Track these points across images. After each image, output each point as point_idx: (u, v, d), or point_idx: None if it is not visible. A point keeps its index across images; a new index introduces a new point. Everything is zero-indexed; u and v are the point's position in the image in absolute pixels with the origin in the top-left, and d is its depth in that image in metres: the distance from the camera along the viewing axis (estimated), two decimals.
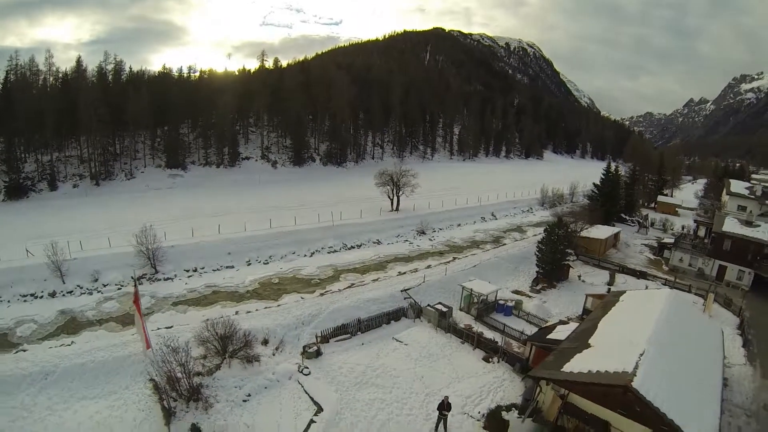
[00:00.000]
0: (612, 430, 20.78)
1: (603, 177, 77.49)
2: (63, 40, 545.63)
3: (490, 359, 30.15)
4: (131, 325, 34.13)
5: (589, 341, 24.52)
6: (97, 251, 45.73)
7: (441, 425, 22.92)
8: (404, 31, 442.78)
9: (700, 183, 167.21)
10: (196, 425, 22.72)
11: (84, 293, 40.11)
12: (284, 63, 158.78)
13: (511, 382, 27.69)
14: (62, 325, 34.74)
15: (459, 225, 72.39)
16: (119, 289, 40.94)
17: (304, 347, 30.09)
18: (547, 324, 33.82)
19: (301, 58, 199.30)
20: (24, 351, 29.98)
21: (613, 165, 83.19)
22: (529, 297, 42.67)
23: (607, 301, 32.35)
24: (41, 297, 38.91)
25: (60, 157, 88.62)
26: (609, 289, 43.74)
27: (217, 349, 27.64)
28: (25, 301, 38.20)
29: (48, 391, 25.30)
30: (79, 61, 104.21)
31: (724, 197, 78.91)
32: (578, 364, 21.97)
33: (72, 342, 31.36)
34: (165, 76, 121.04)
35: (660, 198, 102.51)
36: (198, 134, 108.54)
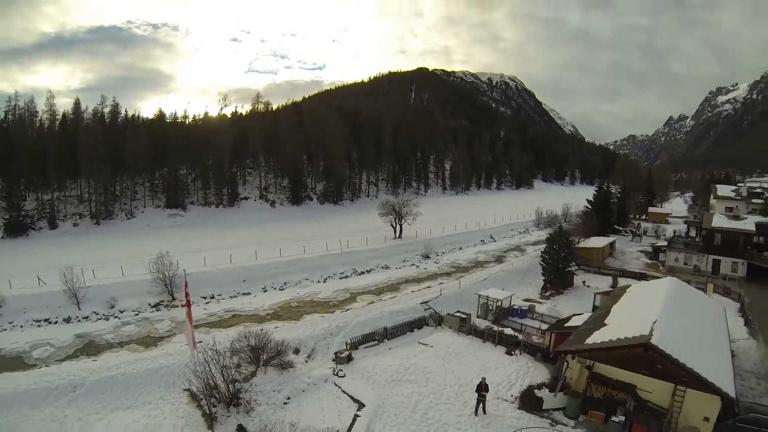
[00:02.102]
0: (639, 392, 22.57)
1: (596, 192, 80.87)
2: (54, 87, 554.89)
3: (512, 352, 31.88)
4: (154, 346, 35.20)
5: (605, 322, 26.63)
6: (112, 279, 46.38)
7: (480, 406, 24.44)
8: (389, 72, 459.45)
9: (688, 197, 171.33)
10: (242, 426, 23.66)
11: (101, 319, 40.55)
12: (274, 107, 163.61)
13: (535, 369, 29.37)
14: (81, 348, 34.83)
15: (461, 248, 74.43)
16: (136, 315, 41.52)
17: (335, 353, 31.62)
18: (563, 317, 35.75)
19: (290, 101, 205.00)
20: (47, 367, 30.19)
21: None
22: (540, 303, 44.57)
23: (615, 294, 34.58)
24: (56, 322, 39.24)
25: (60, 197, 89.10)
26: None
27: (251, 358, 28.80)
28: (39, 326, 38.52)
29: (78, 404, 25.49)
30: (77, 103, 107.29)
31: (712, 201, 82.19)
32: (598, 337, 24.03)
33: (95, 360, 31.70)
34: (161, 120, 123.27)
35: (651, 209, 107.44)
36: (196, 176, 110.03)
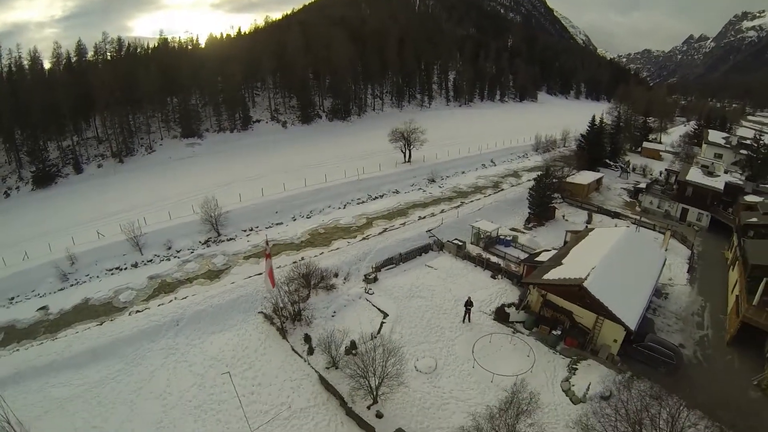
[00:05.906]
0: (574, 317, 33.30)
1: (589, 128, 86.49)
2: (37, 18, 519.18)
3: (496, 276, 42.84)
4: (218, 279, 43.16)
5: (562, 261, 36.82)
6: (162, 224, 52.55)
7: (466, 317, 35.46)
8: None
9: (691, 123, 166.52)
10: (308, 335, 33.61)
11: (163, 260, 46.53)
12: (273, 18, 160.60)
13: (511, 291, 40.35)
14: (157, 288, 41.03)
15: (463, 172, 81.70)
16: (192, 252, 48.40)
17: (365, 275, 42.58)
18: (535, 251, 46.30)
19: (292, 10, 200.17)
20: (148, 309, 37.32)
21: (603, 108, 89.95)
22: (523, 233, 54.68)
23: (579, 235, 44.44)
24: (126, 269, 45.01)
25: (78, 141, 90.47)
26: (587, 226, 54.89)
27: (304, 283, 38.68)
28: (112, 274, 44.14)
29: (183, 333, 34.59)
30: (80, 44, 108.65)
31: (704, 146, 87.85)
32: (553, 275, 34.43)
33: (185, 297, 39.01)
34: (166, 47, 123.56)
35: (645, 143, 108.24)
36: (206, 102, 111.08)
